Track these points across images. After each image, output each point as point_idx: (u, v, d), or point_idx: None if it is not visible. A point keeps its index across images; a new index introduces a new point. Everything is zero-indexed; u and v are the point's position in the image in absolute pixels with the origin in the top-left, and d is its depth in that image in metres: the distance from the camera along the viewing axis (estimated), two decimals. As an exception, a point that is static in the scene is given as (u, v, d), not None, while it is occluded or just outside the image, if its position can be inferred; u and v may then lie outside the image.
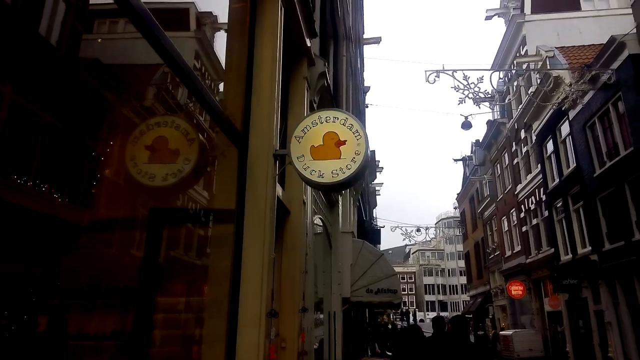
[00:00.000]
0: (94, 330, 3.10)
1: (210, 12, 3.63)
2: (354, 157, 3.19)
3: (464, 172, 38.76)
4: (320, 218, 6.84)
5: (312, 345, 5.28)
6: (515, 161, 24.05)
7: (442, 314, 67.87)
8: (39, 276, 2.93)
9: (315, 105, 5.58)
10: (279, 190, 3.84)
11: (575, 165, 16.46)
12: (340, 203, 8.78)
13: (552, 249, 18.55)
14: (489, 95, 13.75)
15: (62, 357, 2.76)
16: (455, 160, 38.85)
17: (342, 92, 9.95)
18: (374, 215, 30.23)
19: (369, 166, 3.35)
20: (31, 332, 2.64)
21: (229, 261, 3.13)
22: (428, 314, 70.53)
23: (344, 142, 3.25)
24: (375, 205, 30.82)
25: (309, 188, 5.03)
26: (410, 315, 51.02)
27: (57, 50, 2.02)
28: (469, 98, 11.72)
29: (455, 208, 53.02)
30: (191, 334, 3.44)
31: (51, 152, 3.32)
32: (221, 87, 3.86)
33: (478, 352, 5.62)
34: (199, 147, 2.99)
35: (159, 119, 3.13)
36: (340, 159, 3.20)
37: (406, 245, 76.83)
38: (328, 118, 3.32)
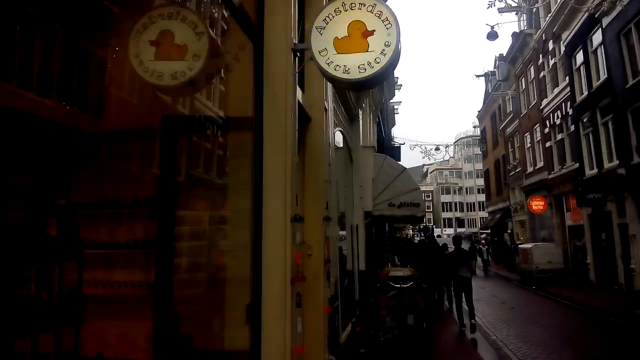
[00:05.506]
0: (121, 239, 3.00)
1: None
2: (384, 50, 2.83)
3: (486, 88, 37.39)
4: (340, 131, 6.55)
5: (336, 255, 5.23)
6: (541, 75, 22.90)
7: (459, 230, 69.20)
8: (49, 186, 2.79)
9: None
10: (298, 93, 3.54)
11: (606, 76, 15.54)
12: (360, 117, 8.44)
13: (577, 164, 18.11)
14: (516, 4, 12.74)
15: (75, 259, 2.68)
16: (478, 76, 37.38)
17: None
18: (392, 135, 29.76)
19: (398, 61, 3.00)
20: (41, 233, 2.52)
21: (250, 169, 2.92)
22: (445, 230, 72.06)
23: (372, 33, 2.87)
24: (394, 125, 30.26)
25: (329, 94, 4.69)
26: (429, 231, 51.96)
27: None
28: (499, 1, 10.80)
29: (475, 127, 51.91)
30: (215, 245, 3.33)
31: (51, 55, 3.01)
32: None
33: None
34: (209, 42, 2.65)
35: (163, 10, 2.77)
36: (367, 51, 2.84)
37: (424, 165, 76.64)
38: (353, 4, 2.92)
